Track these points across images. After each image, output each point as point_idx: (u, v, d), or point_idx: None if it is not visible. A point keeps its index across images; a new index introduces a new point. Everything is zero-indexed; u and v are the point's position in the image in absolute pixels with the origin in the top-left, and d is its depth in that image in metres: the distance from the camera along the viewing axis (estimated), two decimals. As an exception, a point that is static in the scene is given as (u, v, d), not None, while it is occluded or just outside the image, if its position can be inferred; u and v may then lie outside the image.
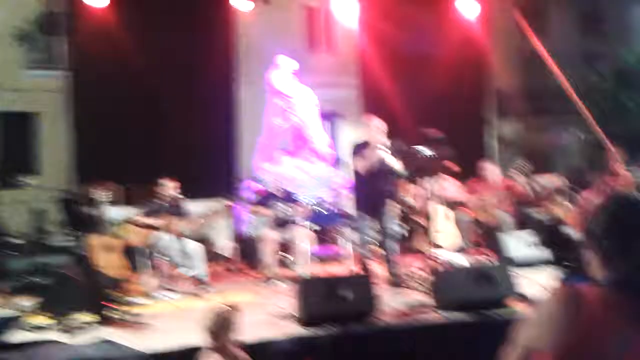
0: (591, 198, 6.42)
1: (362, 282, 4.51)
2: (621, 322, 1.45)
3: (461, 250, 7.50)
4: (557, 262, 5.24)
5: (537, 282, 5.05)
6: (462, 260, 7.04)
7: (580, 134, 14.39)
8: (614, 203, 1.61)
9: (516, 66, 18.99)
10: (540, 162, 16.02)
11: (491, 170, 7.73)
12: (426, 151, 5.74)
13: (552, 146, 13.51)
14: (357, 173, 6.02)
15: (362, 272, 5.69)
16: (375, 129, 5.90)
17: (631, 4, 20.27)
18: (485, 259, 7.00)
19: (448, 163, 6.43)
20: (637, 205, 1.58)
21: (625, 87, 14.44)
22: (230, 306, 3.45)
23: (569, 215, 8.11)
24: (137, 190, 8.53)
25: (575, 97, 11.37)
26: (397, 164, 5.86)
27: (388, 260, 6.00)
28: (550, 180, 9.43)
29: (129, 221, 6.69)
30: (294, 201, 7.18)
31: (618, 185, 7.85)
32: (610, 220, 1.57)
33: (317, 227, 7.89)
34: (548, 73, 15.41)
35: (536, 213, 8.55)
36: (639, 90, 14.26)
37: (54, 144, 11.68)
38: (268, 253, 6.63)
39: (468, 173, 8.54)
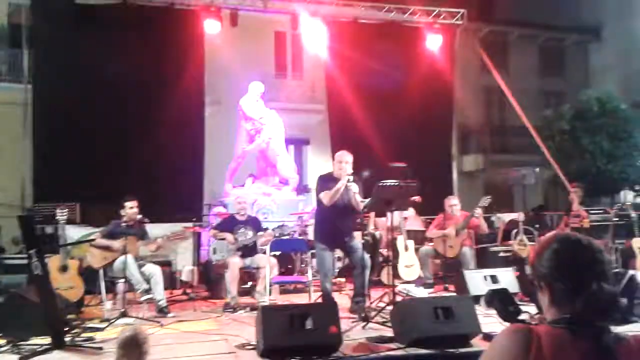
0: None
1: (324, 313, 4.46)
2: None
3: (424, 283, 7.55)
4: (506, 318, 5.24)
5: (499, 320, 5.08)
6: (425, 294, 7.09)
7: (540, 171, 14.70)
8: (560, 244, 1.63)
9: (478, 102, 19.45)
10: (501, 198, 16.36)
11: (455, 205, 7.82)
12: (392, 183, 5.75)
13: (512, 182, 13.77)
14: (321, 204, 5.98)
15: (324, 303, 5.65)
16: (342, 161, 5.90)
17: (590, 46, 21.06)
18: (447, 293, 7.05)
19: (414, 195, 6.46)
20: (582, 246, 1.61)
21: (583, 128, 14.87)
22: (140, 331, 3.35)
23: (527, 252, 8.27)
24: (97, 210, 8.34)
25: (535, 134, 11.69)
26: (360, 197, 5.84)
27: (355, 292, 5.97)
28: (511, 217, 9.59)
29: (86, 241, 6.52)
30: (258, 227, 7.12)
31: (575, 223, 8.05)
32: (557, 262, 1.60)
33: (280, 254, 7.85)
34: (509, 110, 15.90)
35: (497, 248, 8.71)
36: (596, 130, 14.70)
37: (13, 158, 11.39)
38: (230, 279, 6.53)
39: (432, 206, 8.64)
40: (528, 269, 7.45)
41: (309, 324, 4.22)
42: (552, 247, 1.64)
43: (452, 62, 12.20)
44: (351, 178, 5.71)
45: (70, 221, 6.89)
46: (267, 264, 6.58)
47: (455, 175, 13.46)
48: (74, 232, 7.40)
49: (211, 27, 10.19)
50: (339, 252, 6.82)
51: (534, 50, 20.78)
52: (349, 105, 11.13)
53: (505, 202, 16.88)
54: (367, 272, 5.94)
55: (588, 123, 14.86)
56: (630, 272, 5.65)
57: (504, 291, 5.63)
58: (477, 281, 6.54)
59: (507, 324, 4.92)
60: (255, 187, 10.93)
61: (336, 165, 5.93)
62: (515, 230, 8.57)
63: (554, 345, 1.50)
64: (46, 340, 4.39)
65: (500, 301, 5.10)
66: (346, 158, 5.88)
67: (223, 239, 6.96)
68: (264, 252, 6.87)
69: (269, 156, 11.05)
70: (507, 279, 6.70)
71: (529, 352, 1.48)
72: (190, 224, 7.64)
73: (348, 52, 11.20)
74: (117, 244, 6.20)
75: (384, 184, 5.62)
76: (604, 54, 20.30)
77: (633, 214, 8.07)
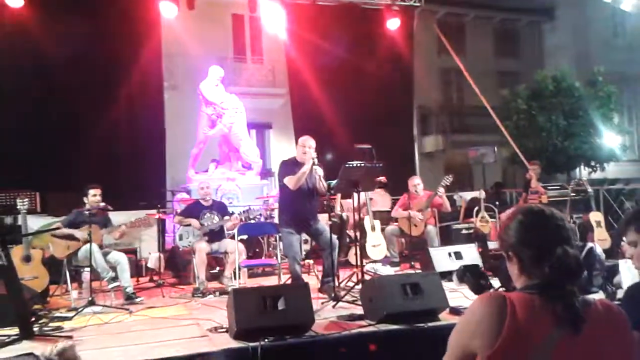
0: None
1: (296, 294, 4.48)
2: (546, 323, 1.56)
3: (390, 262, 7.66)
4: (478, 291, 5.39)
5: (464, 295, 5.21)
6: (391, 272, 7.20)
7: (498, 150, 15.00)
8: (525, 215, 1.74)
9: (437, 83, 19.69)
10: (461, 178, 16.66)
11: (419, 185, 7.94)
12: (358, 164, 5.80)
13: (472, 162, 14.02)
14: (285, 189, 5.96)
15: (296, 284, 5.68)
16: (305, 146, 5.89)
17: (544, 26, 21.49)
18: (413, 271, 7.18)
19: (379, 176, 6.52)
20: (545, 215, 1.71)
21: (539, 106, 15.21)
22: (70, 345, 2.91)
23: (489, 229, 8.48)
24: (57, 199, 8.17)
25: (493, 114, 11.92)
26: (324, 184, 5.85)
27: (324, 273, 6.02)
28: (472, 195, 9.80)
29: (48, 230, 6.38)
30: (224, 211, 7.09)
31: (534, 199, 8.28)
32: (523, 232, 1.70)
33: (246, 238, 7.85)
34: (467, 91, 16.12)
35: (459, 226, 8.88)
36: (552, 109, 15.04)
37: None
38: (197, 264, 6.51)
39: (396, 187, 8.76)
40: (490, 245, 7.65)
41: (281, 305, 4.24)
42: (517, 218, 1.74)
43: (410, 43, 12.29)
44: (316, 161, 5.73)
45: (30, 211, 6.71)
46: (235, 248, 6.58)
47: (416, 156, 13.63)
48: (34, 222, 7.22)
49: (167, 10, 9.95)
50: (305, 235, 6.82)
51: (489, 32, 21.10)
52: (310, 88, 11.11)
53: (466, 182, 17.25)
54: (335, 253, 5.98)
55: (544, 102, 15.20)
56: (589, 244, 5.85)
57: (475, 266, 5.76)
58: (442, 258, 6.68)
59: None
60: (218, 173, 10.86)
61: (299, 150, 5.94)
62: (476, 208, 8.77)
63: (527, 310, 1.57)
64: (14, 331, 4.30)
65: (472, 275, 5.20)
66: (309, 143, 5.89)
67: (188, 224, 6.91)
68: (231, 237, 6.85)
69: (232, 141, 10.98)
70: (471, 255, 6.85)
71: (504, 317, 1.55)
72: (153, 211, 7.56)
73: (307, 35, 11.15)
74: (79, 233, 6.09)
75: (350, 165, 5.66)
76: (558, 34, 20.75)
77: (589, 189, 8.34)
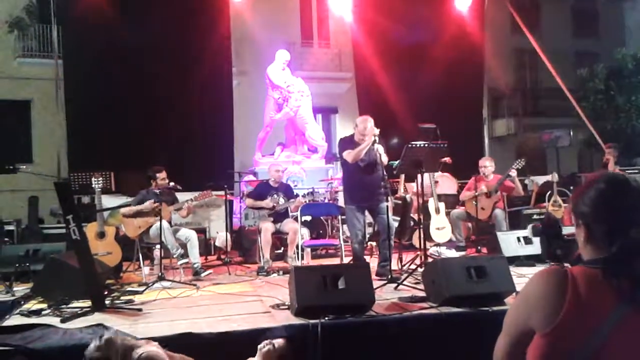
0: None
1: (357, 274, 4.48)
2: (610, 299, 1.47)
3: (456, 246, 7.52)
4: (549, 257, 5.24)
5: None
6: (456, 256, 7.06)
7: (573, 133, 14.43)
8: (607, 184, 1.58)
9: (509, 64, 19.04)
10: (533, 163, 16.11)
11: (487, 167, 7.73)
12: (421, 144, 5.70)
13: (546, 145, 13.55)
14: (347, 166, 5.97)
15: (356, 264, 5.68)
16: (366, 124, 5.85)
17: (625, 5, 20.35)
18: (479, 255, 7.01)
19: (443, 157, 6.38)
20: (630, 187, 1.56)
21: (618, 87, 14.49)
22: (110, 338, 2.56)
23: (562, 214, 8.17)
24: (130, 179, 8.49)
25: (569, 95, 11.43)
26: (385, 158, 5.79)
27: (382, 255, 5.98)
28: (545, 179, 9.47)
29: (120, 207, 6.65)
30: (290, 194, 7.16)
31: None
32: (599, 202, 1.56)
33: (310, 220, 7.91)
34: (541, 72, 15.51)
35: (531, 211, 8.61)
36: (631, 89, 14.31)
37: (47, 132, 11.61)
38: (262, 244, 6.62)
39: (464, 171, 8.57)
40: (563, 231, 7.35)
41: (341, 284, 4.24)
42: (598, 185, 1.58)
43: (481, 22, 11.92)
44: (377, 139, 5.68)
45: (104, 190, 7.00)
46: (298, 228, 6.64)
47: (486, 141, 13.25)
48: (108, 202, 7.54)
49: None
50: (370, 218, 6.77)
51: (566, 10, 20.20)
52: (377, 71, 11.00)
53: (538, 167, 16.66)
54: (392, 238, 5.91)
55: (623, 82, 14.48)
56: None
57: (556, 232, 5.48)
58: (511, 243, 6.46)
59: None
60: (284, 156, 10.97)
61: (360, 127, 5.89)
62: (549, 192, 8.47)
63: (590, 285, 1.49)
64: (87, 303, 4.51)
65: (549, 240, 4.90)
66: (369, 124, 5.84)
67: (254, 204, 7.01)
68: (296, 218, 6.93)
69: (298, 124, 11.05)
70: (541, 240, 6.59)
71: (566, 293, 1.48)
72: (221, 192, 7.73)
73: (375, 16, 11.01)
74: (147, 204, 6.31)
75: (413, 145, 5.57)
76: (639, 12, 19.63)
77: (671, 173, 7.89)
